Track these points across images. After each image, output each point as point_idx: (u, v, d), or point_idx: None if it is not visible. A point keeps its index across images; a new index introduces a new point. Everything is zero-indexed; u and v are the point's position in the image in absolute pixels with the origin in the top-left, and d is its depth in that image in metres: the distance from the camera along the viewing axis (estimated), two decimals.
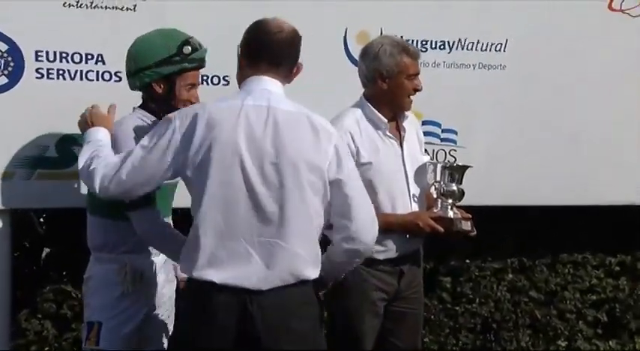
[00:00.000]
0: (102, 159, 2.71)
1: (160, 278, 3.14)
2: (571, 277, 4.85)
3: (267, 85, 2.64)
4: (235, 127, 2.53)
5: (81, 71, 3.49)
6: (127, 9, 3.50)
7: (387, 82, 3.35)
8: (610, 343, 4.88)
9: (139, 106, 3.11)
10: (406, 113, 3.48)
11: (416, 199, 3.43)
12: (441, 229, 3.34)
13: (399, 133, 3.46)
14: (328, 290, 3.20)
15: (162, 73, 3.00)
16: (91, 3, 3.42)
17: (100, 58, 3.51)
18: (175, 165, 2.58)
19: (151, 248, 3.05)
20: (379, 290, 3.43)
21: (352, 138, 3.29)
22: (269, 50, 2.66)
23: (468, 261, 4.68)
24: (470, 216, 3.47)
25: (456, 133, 4.08)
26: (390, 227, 3.27)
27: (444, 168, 3.46)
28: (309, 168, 2.55)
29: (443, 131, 4.04)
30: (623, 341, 4.88)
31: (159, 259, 3.11)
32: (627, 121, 4.26)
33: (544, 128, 4.20)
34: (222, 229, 2.55)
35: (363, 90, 3.51)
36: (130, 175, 2.62)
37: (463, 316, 4.69)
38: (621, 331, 4.90)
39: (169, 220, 3.13)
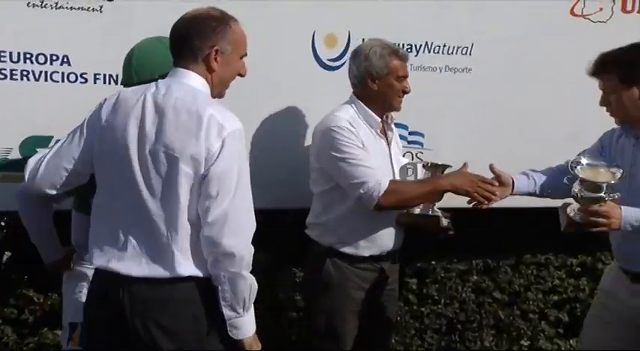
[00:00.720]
0: (38, 154, 2.69)
1: None
2: (534, 277, 4.87)
3: (175, 74, 2.58)
4: (129, 114, 2.50)
5: (46, 72, 3.38)
6: (93, 10, 3.41)
7: (377, 83, 3.39)
8: (571, 341, 4.91)
9: None
10: (392, 115, 3.51)
11: None
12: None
13: (385, 134, 3.49)
14: (308, 288, 3.40)
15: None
16: (56, 3, 3.32)
17: (65, 59, 3.40)
18: (89, 151, 2.58)
19: None
20: (361, 289, 3.43)
21: (356, 131, 3.30)
22: (172, 41, 2.63)
23: (433, 262, 4.68)
24: (448, 214, 3.51)
25: (422, 135, 4.06)
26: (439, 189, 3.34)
27: (424, 168, 3.47)
28: (186, 159, 2.44)
29: (410, 134, 4.02)
30: None
31: None
32: (588, 123, 4.16)
33: (509, 130, 4.19)
34: (106, 216, 2.55)
35: (330, 91, 3.59)
36: (50, 164, 2.61)
37: (429, 317, 4.69)
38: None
39: None
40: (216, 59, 2.57)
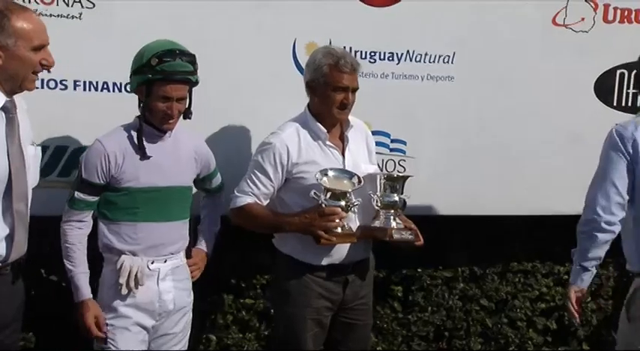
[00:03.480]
0: None
1: (165, 284, 3.07)
2: (521, 285, 4.74)
3: None
4: None
5: None
6: (73, 17, 3.36)
7: (316, 94, 3.27)
8: (560, 349, 4.80)
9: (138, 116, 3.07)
10: (352, 123, 3.38)
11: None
12: (329, 220, 3.17)
13: (342, 143, 3.35)
14: (271, 295, 3.34)
15: (136, 82, 2.96)
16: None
17: None
18: None
19: (157, 253, 3.06)
20: (323, 298, 3.33)
21: (288, 151, 3.24)
22: None
23: (419, 270, 4.55)
24: (413, 226, 3.37)
25: (404, 143, 3.97)
26: (281, 229, 3.27)
27: (384, 179, 3.37)
28: None
29: (392, 141, 3.94)
30: (572, 348, 4.81)
31: (164, 265, 3.07)
32: (568, 133, 4.18)
33: (491, 138, 4.11)
34: None
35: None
36: None
37: (415, 324, 4.57)
38: (570, 338, 4.83)
39: (180, 222, 3.14)
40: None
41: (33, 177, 2.69)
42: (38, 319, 3.61)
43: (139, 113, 3.07)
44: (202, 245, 3.38)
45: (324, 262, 3.30)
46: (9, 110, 2.55)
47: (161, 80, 2.92)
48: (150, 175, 3.01)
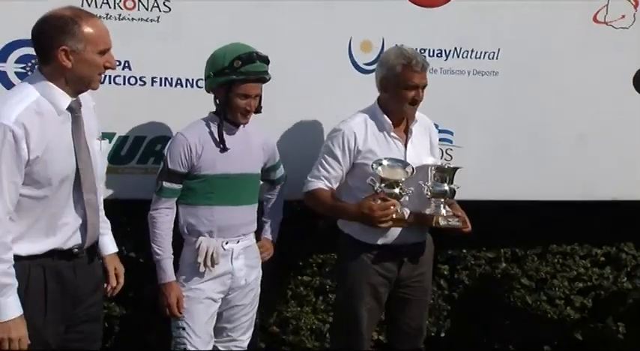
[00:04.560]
0: None
1: (238, 263, 3.31)
2: (560, 266, 4.85)
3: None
4: None
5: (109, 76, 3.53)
6: (152, 20, 3.56)
7: (389, 91, 3.45)
8: (597, 325, 4.90)
9: (214, 111, 3.31)
10: (417, 118, 3.55)
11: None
12: (386, 213, 3.31)
13: (406, 135, 3.54)
14: (336, 272, 3.61)
15: (217, 82, 3.18)
16: (119, 15, 3.50)
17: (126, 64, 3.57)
18: None
19: (231, 234, 3.29)
20: (379, 275, 3.52)
21: (355, 137, 3.44)
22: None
23: (464, 251, 4.72)
24: (461, 214, 3.53)
25: (452, 133, 4.12)
26: (341, 217, 3.50)
27: (434, 170, 3.53)
28: None
29: (440, 131, 4.03)
30: (607, 325, 4.89)
31: (237, 245, 3.31)
32: (606, 124, 4.30)
33: (534, 128, 4.24)
34: None
35: (367, 95, 3.63)
36: None
37: (460, 301, 4.73)
38: (606, 316, 4.91)
39: (250, 206, 3.37)
40: (68, 58, 2.58)
41: (101, 168, 2.83)
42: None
43: (210, 107, 3.34)
44: (268, 235, 3.62)
45: (380, 241, 3.49)
46: (74, 110, 2.67)
47: (242, 80, 3.17)
48: (225, 163, 3.27)
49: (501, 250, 4.76)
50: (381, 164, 3.37)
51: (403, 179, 3.38)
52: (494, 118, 4.16)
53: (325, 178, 3.48)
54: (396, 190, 3.36)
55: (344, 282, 3.58)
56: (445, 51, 4.00)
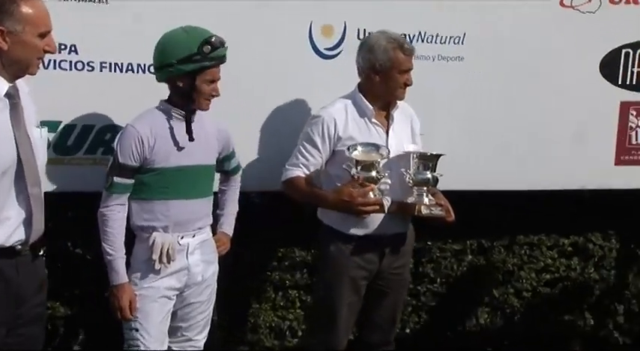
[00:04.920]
0: None
1: (194, 258, 3.20)
2: (527, 257, 4.82)
3: None
4: None
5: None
6: (100, 1, 3.41)
7: (380, 76, 3.41)
8: (564, 318, 4.92)
9: (166, 100, 3.17)
10: (398, 104, 3.53)
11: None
12: (366, 201, 3.30)
13: (387, 122, 3.52)
14: (316, 264, 3.57)
15: (184, 70, 3.03)
16: None
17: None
18: None
19: (186, 228, 3.18)
20: (360, 268, 3.49)
21: (335, 123, 3.43)
22: None
23: (429, 243, 4.64)
24: (444, 203, 3.51)
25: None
26: (320, 205, 3.49)
27: (416, 157, 3.49)
28: None
29: None
30: (575, 317, 4.91)
31: (192, 240, 3.20)
32: (575, 113, 4.27)
33: (500, 116, 4.18)
34: None
35: (328, 80, 3.69)
36: None
37: (425, 295, 4.67)
38: (574, 308, 4.92)
39: (206, 199, 3.27)
40: (5, 39, 2.47)
41: (42, 159, 2.73)
42: (64, 287, 3.78)
43: (164, 94, 3.19)
44: (225, 228, 3.51)
45: (361, 232, 3.46)
46: (12, 96, 2.55)
47: (209, 66, 3.07)
48: (179, 155, 3.12)
49: (467, 242, 4.71)
50: (355, 149, 3.36)
51: (379, 160, 3.35)
52: (460, 105, 4.09)
53: (304, 166, 3.45)
54: (373, 174, 3.33)
55: (324, 274, 3.57)
56: (409, 35, 3.89)
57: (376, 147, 3.39)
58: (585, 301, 4.89)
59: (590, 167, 4.35)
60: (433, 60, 3.98)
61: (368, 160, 3.34)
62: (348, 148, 3.35)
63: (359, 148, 3.36)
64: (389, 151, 3.40)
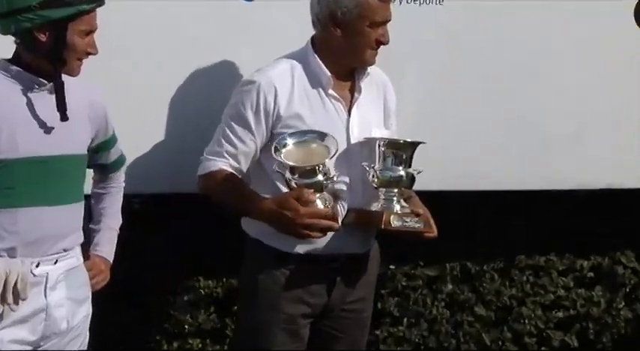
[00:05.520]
0: None
1: (55, 295, 3.16)
2: (531, 287, 4.89)
3: None
4: None
5: None
6: None
7: (342, 28, 3.42)
8: None
9: (8, 59, 3.12)
10: (368, 70, 3.54)
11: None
12: (317, 223, 3.30)
13: (351, 96, 3.54)
14: (239, 294, 3.67)
15: (49, 17, 3.00)
16: None
17: None
18: None
19: (44, 251, 3.13)
20: (301, 303, 3.51)
21: (275, 94, 3.42)
22: None
23: (392, 267, 4.69)
24: (422, 212, 3.53)
25: None
26: (250, 215, 3.48)
27: (383, 146, 3.51)
28: None
29: None
30: None
31: (53, 268, 3.16)
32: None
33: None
34: None
35: (254, 29, 3.79)
36: None
37: (385, 342, 4.71)
38: None
39: (74, 206, 3.23)
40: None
41: None
42: None
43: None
44: (101, 250, 3.48)
45: (302, 250, 3.46)
46: None
47: (89, 11, 3.05)
48: (32, 140, 3.06)
49: (447, 266, 4.77)
50: (285, 144, 3.33)
51: (327, 161, 3.31)
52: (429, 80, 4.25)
53: (230, 156, 3.45)
54: (319, 178, 3.31)
55: (248, 313, 3.58)
56: None
57: (317, 135, 3.38)
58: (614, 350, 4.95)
59: (619, 162, 4.51)
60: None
61: (301, 165, 3.31)
62: (276, 145, 3.32)
63: (289, 141, 3.34)
64: (337, 142, 3.35)
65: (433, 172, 3.90)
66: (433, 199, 3.94)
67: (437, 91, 4.26)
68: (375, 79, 3.63)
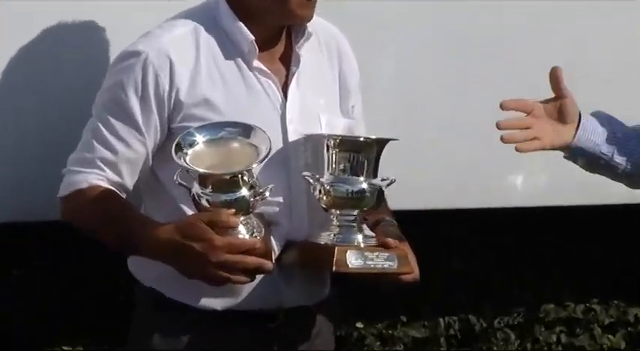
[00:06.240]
0: None
1: None
2: (563, 349, 4.35)
3: None
4: None
5: None
6: None
7: None
8: None
9: None
10: (309, 29, 3.05)
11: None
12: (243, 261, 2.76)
13: (286, 70, 3.08)
14: None
15: None
16: None
17: None
18: None
19: None
20: None
21: (172, 70, 2.96)
22: None
23: (359, 325, 4.15)
24: (393, 243, 2.87)
25: None
26: (138, 249, 2.95)
27: (336, 146, 2.97)
28: None
29: None
30: None
31: None
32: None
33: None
34: None
35: None
36: None
37: None
38: None
39: None
40: None
41: None
42: None
43: None
44: None
45: (221, 305, 2.96)
46: None
47: None
48: None
49: (440, 322, 4.14)
50: (193, 143, 2.85)
51: (254, 168, 2.80)
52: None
53: (107, 165, 2.93)
54: (243, 192, 2.82)
55: None
56: None
57: (241, 131, 2.91)
58: None
59: None
60: None
61: (217, 173, 2.82)
62: (177, 146, 2.80)
63: (197, 138, 2.90)
64: (269, 140, 2.88)
65: (417, 184, 3.71)
66: (417, 221, 3.47)
67: (421, 78, 3.91)
68: (322, 41, 3.12)
